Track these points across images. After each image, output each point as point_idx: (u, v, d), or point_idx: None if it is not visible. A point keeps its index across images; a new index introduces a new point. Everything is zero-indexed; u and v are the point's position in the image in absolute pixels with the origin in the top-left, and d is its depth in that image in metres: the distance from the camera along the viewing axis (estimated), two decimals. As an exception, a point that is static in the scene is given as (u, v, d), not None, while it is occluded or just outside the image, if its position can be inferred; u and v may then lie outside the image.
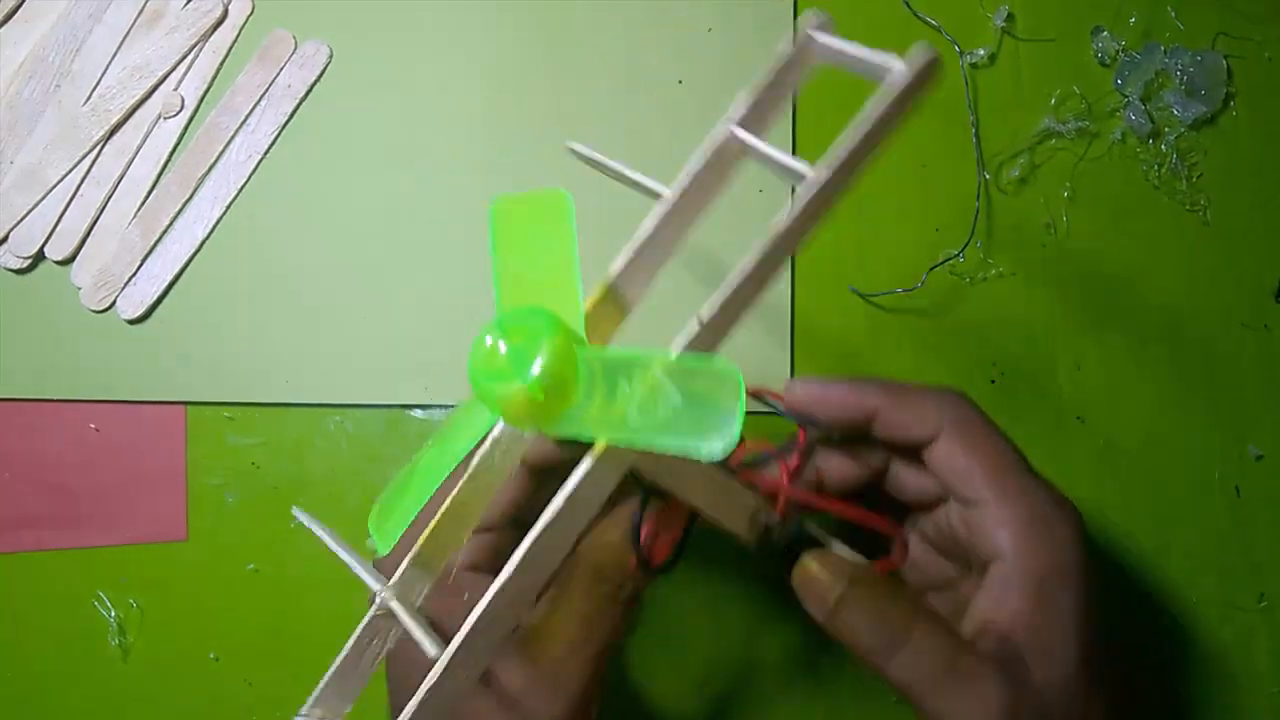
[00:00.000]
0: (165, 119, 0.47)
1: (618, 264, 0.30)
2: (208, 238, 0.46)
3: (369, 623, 0.30)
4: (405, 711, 0.25)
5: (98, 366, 0.46)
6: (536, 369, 0.25)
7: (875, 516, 0.34)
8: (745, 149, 0.30)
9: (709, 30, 0.48)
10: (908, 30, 0.49)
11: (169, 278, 0.46)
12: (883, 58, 0.28)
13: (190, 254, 0.46)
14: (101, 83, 0.47)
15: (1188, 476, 0.48)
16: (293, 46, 0.47)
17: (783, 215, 0.27)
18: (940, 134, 0.49)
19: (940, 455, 0.34)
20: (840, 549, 0.35)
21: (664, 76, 0.48)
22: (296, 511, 0.32)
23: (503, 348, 0.26)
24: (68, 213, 0.46)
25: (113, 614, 0.45)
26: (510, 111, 0.48)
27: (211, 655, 0.45)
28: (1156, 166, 0.49)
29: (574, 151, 0.33)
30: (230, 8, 0.47)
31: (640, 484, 0.32)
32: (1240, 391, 0.49)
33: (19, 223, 0.46)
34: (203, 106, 0.47)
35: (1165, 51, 0.49)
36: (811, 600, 0.33)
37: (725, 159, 0.30)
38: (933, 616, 0.32)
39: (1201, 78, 0.49)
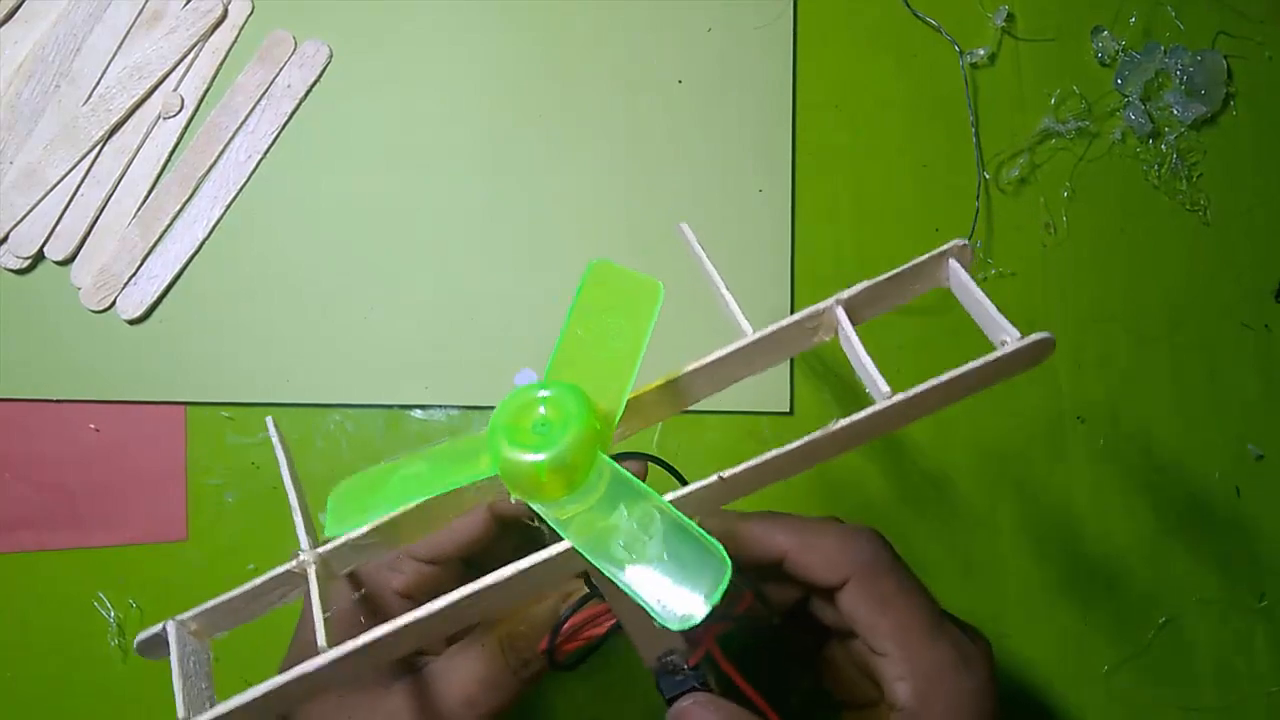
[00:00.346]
0: (165, 119, 0.47)
1: (687, 367, 0.30)
2: (208, 238, 0.46)
3: (280, 574, 0.29)
4: (270, 681, 0.26)
5: (98, 366, 0.46)
6: (554, 452, 0.25)
7: (773, 713, 0.34)
8: (839, 330, 0.30)
9: (709, 30, 0.48)
10: (908, 30, 0.49)
11: (169, 278, 0.46)
12: (1002, 321, 0.28)
13: (190, 254, 0.46)
14: (101, 83, 0.46)
15: (1188, 476, 0.48)
16: (293, 46, 0.47)
17: (842, 420, 0.27)
18: (940, 134, 0.49)
19: (847, 603, 0.34)
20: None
21: (664, 76, 0.48)
22: (269, 422, 0.32)
23: (541, 410, 0.26)
24: (68, 213, 0.46)
25: (113, 614, 0.45)
26: (510, 112, 0.48)
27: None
28: (1156, 166, 0.49)
29: (682, 234, 0.34)
30: (230, 8, 0.47)
31: (586, 582, 0.32)
32: (1240, 391, 0.49)
33: (19, 223, 0.46)
34: (203, 106, 0.47)
35: (1165, 51, 0.49)
36: None
37: (816, 327, 0.31)
38: None
39: (1202, 77, 0.49)
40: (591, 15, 0.48)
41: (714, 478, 0.27)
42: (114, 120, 0.46)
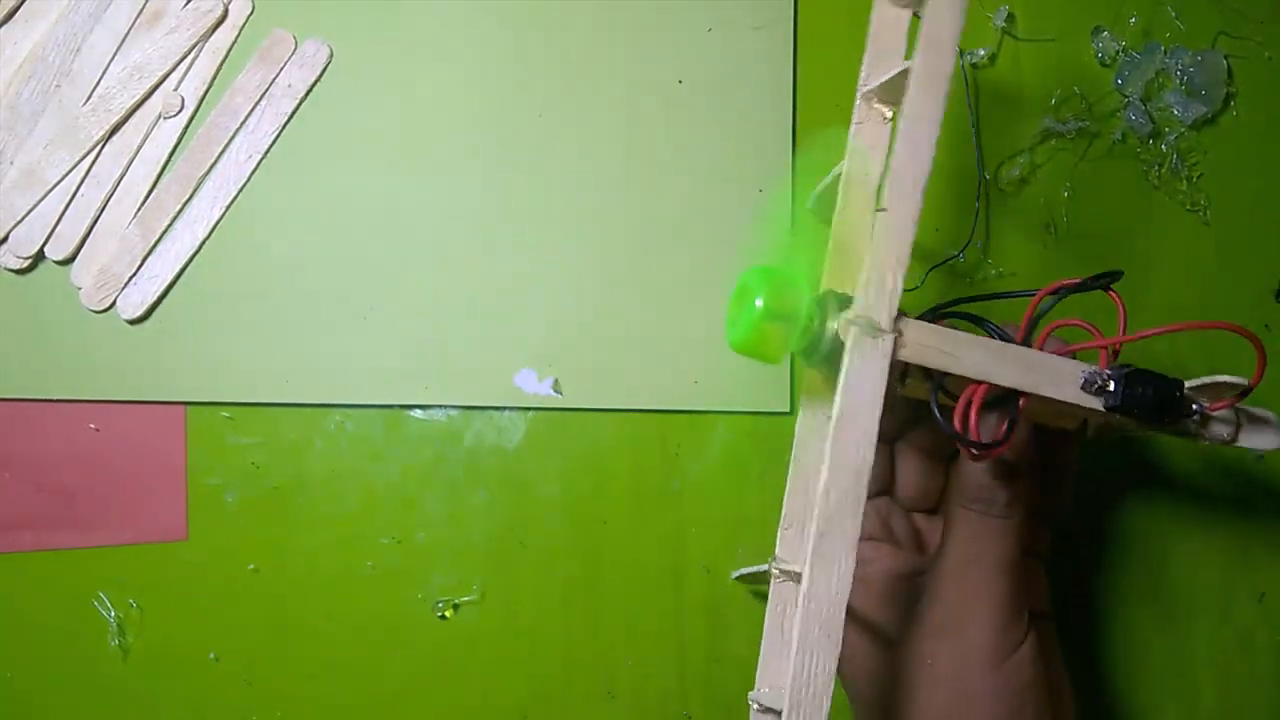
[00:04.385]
0: (165, 119, 0.47)
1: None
2: (208, 238, 0.46)
3: (773, 592, 0.33)
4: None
5: (98, 366, 0.46)
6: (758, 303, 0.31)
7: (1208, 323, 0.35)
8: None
9: (709, 30, 0.48)
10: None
11: (169, 278, 0.46)
12: None
13: (190, 254, 0.46)
14: (101, 83, 0.46)
15: (1188, 476, 0.48)
16: (293, 46, 0.47)
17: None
18: (940, 134, 0.49)
19: None
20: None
21: (664, 76, 0.48)
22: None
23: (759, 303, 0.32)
24: (68, 213, 0.46)
25: (113, 614, 0.45)
26: (510, 112, 0.48)
27: (211, 655, 0.45)
28: (1157, 166, 0.49)
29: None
30: (230, 8, 0.47)
31: (930, 379, 0.33)
32: (1240, 391, 0.49)
33: (19, 223, 0.46)
34: (203, 106, 0.47)
35: (1166, 51, 0.49)
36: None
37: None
38: None
39: (1202, 77, 0.49)
40: (591, 15, 0.48)
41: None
42: (114, 120, 0.46)
